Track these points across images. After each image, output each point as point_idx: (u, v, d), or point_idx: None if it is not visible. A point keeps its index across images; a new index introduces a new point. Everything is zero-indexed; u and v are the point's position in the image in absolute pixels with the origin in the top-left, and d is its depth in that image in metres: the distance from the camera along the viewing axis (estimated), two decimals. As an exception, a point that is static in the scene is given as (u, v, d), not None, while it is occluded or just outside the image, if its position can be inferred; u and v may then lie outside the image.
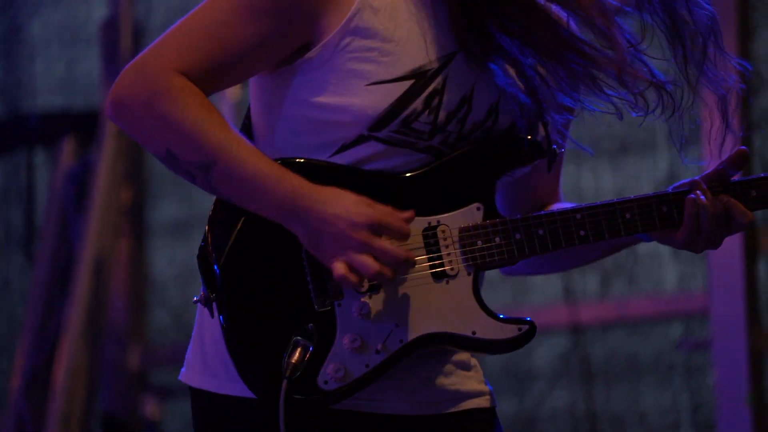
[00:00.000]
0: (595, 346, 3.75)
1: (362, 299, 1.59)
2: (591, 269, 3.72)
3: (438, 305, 1.61)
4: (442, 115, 1.61)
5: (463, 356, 1.72)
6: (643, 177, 3.80)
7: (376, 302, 1.59)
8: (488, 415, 1.74)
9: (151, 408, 4.40)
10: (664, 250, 3.76)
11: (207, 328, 1.68)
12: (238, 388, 1.61)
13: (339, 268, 1.50)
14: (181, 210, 4.79)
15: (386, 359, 1.58)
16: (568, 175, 3.73)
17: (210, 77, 1.63)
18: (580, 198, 3.93)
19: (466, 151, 1.63)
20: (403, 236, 1.53)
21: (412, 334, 1.58)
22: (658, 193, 1.64)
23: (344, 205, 1.54)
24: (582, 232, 1.62)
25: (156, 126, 1.59)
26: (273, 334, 1.61)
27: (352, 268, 1.50)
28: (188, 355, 1.72)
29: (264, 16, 1.61)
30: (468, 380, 1.73)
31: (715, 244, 1.63)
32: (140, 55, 1.65)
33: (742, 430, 3.41)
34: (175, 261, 4.77)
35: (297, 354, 1.56)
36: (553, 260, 1.77)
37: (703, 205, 1.61)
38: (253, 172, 1.57)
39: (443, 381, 1.70)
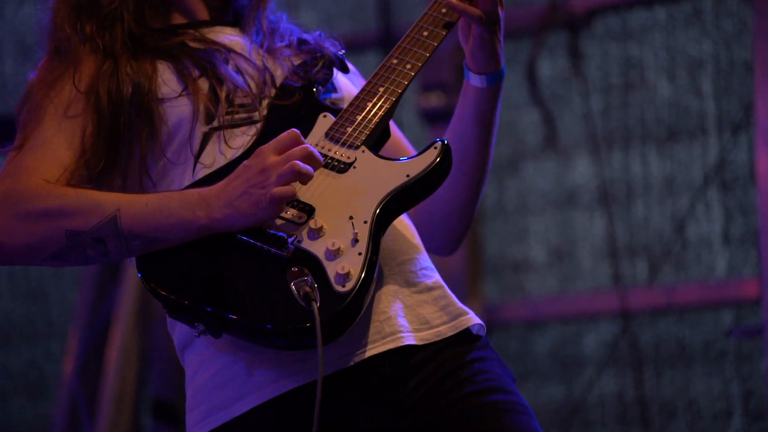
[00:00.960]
0: (644, 332, 3.69)
1: (309, 225, 1.61)
2: (639, 255, 3.66)
3: (365, 185, 1.65)
4: (252, 86, 1.73)
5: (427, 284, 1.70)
6: (693, 164, 3.73)
7: (319, 219, 1.62)
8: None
9: None
10: (714, 236, 3.70)
11: (193, 378, 1.68)
12: (238, 408, 1.62)
13: (271, 200, 1.53)
14: None
15: (367, 241, 1.60)
16: (617, 162, 3.70)
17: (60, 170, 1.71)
18: (629, 189, 3.86)
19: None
20: (294, 140, 1.57)
21: (368, 214, 1.61)
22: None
23: (234, 173, 1.57)
24: (408, 66, 1.73)
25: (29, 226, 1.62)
26: (277, 302, 1.61)
27: (279, 193, 1.53)
28: (188, 417, 1.70)
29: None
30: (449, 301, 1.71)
31: (497, 23, 1.69)
32: None
33: (795, 418, 3.36)
34: None
35: (304, 289, 1.57)
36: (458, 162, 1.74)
37: None
38: (156, 201, 1.60)
39: (422, 310, 1.67)
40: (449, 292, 1.72)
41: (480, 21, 1.66)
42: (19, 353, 4.87)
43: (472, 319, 1.70)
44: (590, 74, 3.81)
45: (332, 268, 1.59)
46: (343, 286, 1.58)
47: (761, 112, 3.22)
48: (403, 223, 1.74)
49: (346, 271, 1.58)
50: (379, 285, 1.65)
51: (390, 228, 1.65)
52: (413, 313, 1.66)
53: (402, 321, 1.64)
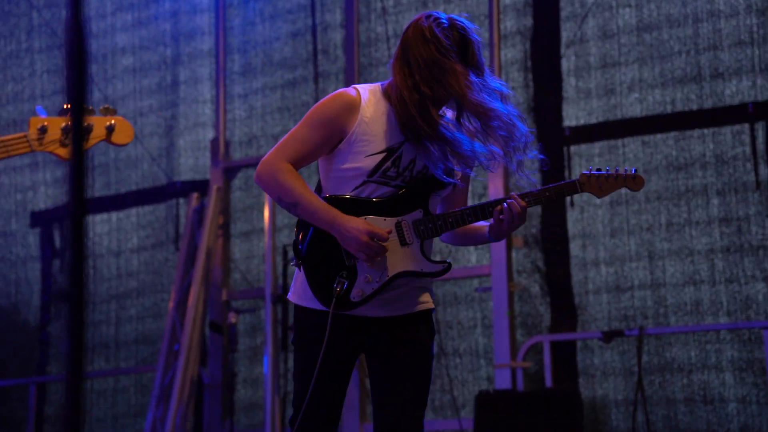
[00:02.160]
0: None
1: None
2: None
3: (404, 258, 2.78)
4: (401, 168, 2.70)
5: (421, 285, 2.87)
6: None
7: (375, 261, 2.77)
8: (430, 312, 2.90)
9: (232, 317, 5.89)
10: None
11: (298, 277, 2.89)
12: (312, 305, 2.86)
13: (356, 254, 2.73)
14: (246, 225, 6.70)
15: (380, 286, 2.79)
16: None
17: (299, 161, 2.86)
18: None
19: (413, 183, 2.78)
20: (382, 236, 2.72)
21: (392, 272, 2.80)
22: (482, 203, 2.83)
23: (355, 223, 2.73)
24: (450, 219, 2.81)
25: (275, 187, 2.82)
26: (327, 276, 2.80)
27: (360, 254, 2.73)
28: (291, 288, 2.91)
29: (320, 128, 2.81)
30: (422, 296, 2.89)
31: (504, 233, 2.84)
32: (269, 152, 2.83)
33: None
34: (242, 251, 6.71)
35: (339, 286, 2.77)
36: (458, 238, 2.94)
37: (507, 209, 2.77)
38: (314, 209, 2.77)
39: (409, 298, 2.85)
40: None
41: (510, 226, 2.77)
42: (145, 299, 7.02)
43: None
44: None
45: (358, 286, 2.76)
46: (354, 297, 2.76)
47: None
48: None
49: (359, 293, 2.74)
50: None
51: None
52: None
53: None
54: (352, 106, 2.83)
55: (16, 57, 7.56)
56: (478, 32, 2.89)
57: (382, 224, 2.83)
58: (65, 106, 2.25)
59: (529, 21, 6.14)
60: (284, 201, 2.84)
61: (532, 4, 6.14)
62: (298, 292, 2.92)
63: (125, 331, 6.93)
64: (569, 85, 6.03)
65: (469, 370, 6.04)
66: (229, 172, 6.66)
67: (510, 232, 2.87)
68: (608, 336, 5.64)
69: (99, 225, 7.05)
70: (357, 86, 2.91)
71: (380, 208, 2.84)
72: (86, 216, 1.50)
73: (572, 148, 5.96)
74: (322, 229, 2.82)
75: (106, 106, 2.50)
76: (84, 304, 1.45)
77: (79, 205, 1.47)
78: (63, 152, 2.41)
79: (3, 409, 7.34)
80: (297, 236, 2.89)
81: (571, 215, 5.93)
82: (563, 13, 6.06)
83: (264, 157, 2.87)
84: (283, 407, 6.13)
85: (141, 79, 7.15)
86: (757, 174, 5.48)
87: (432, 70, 2.75)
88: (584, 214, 5.90)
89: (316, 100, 5.67)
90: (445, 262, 2.87)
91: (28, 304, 7.33)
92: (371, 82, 5.91)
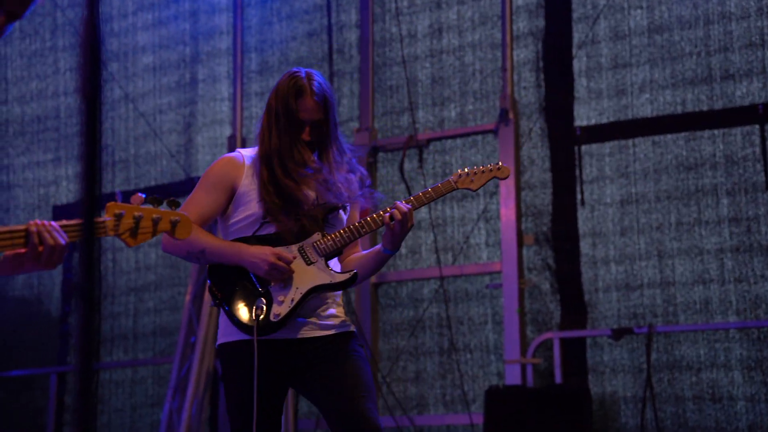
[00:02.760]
0: None
1: (280, 283, 3.01)
2: None
3: (312, 275, 3.04)
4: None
5: (333, 303, 3.11)
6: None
7: (287, 281, 3.00)
8: (352, 333, 3.14)
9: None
10: None
11: (221, 321, 3.11)
12: (236, 337, 3.04)
13: (266, 276, 2.95)
14: None
15: (295, 304, 3.01)
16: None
17: (201, 221, 3.12)
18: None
19: (307, 212, 3.05)
20: (287, 257, 2.99)
21: (304, 289, 3.05)
22: (371, 215, 3.09)
23: (260, 250, 2.99)
24: (346, 234, 3.07)
25: (179, 245, 3.03)
26: (246, 306, 3.00)
27: (270, 275, 2.96)
28: (218, 337, 3.11)
29: (211, 190, 3.12)
30: (339, 316, 3.14)
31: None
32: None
33: None
34: None
35: (259, 310, 2.97)
36: (363, 269, 3.20)
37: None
38: (220, 249, 3.03)
39: (328, 313, 3.05)
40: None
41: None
42: (163, 292, 7.14)
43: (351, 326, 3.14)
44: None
45: (275, 307, 2.92)
46: (273, 318, 2.93)
47: None
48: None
49: (278, 313, 2.91)
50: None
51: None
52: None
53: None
54: (237, 167, 3.12)
55: (40, 55, 7.67)
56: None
57: (286, 251, 3.06)
58: (141, 196, 2.45)
59: (541, 22, 6.18)
60: (192, 253, 3.03)
61: (544, 5, 6.17)
62: (222, 332, 3.10)
63: (143, 323, 7.03)
64: (581, 85, 6.07)
65: (480, 365, 6.09)
66: (246, 168, 6.73)
67: (403, 237, 3.05)
68: (618, 333, 5.69)
69: (119, 220, 7.17)
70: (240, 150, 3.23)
71: (282, 240, 3.07)
72: (97, 213, 1.56)
73: (583, 148, 5.99)
74: (230, 269, 3.02)
75: (173, 199, 2.57)
76: (95, 300, 1.52)
77: (90, 203, 1.52)
78: (131, 241, 2.48)
79: (25, 398, 7.45)
80: (210, 280, 3.08)
81: (582, 213, 5.97)
82: (575, 15, 6.09)
83: None
84: (296, 399, 6.21)
85: (161, 77, 7.24)
86: (766, 174, 5.52)
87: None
88: (594, 213, 5.94)
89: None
90: (351, 271, 3.07)
91: (49, 295, 7.45)
92: (386, 81, 6.37)
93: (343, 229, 3.07)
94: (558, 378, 5.86)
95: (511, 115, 5.98)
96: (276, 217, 3.05)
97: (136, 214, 2.48)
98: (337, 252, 3.10)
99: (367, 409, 2.94)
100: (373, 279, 6.21)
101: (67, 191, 7.53)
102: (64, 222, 2.46)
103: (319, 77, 3.15)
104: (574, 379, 5.88)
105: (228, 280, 3.05)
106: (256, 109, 6.84)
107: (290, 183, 3.05)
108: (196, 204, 3.11)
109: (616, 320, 5.88)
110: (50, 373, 7.25)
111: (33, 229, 2.39)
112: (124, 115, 7.30)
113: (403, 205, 3.03)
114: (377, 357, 6.18)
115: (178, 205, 2.58)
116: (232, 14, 6.95)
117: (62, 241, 2.40)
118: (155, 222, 2.50)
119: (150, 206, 2.52)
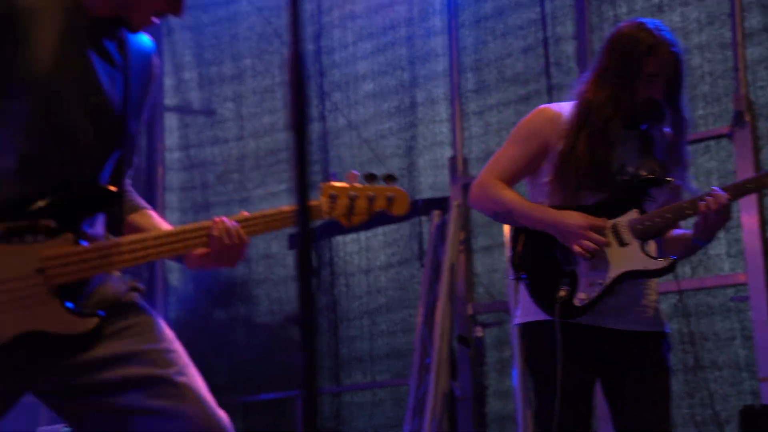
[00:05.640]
0: None
1: (588, 262, 2.65)
2: None
3: (624, 258, 2.67)
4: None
5: (649, 295, 2.76)
6: None
7: (595, 263, 2.65)
8: (665, 335, 2.84)
9: (478, 330, 6.30)
10: None
11: (521, 296, 2.84)
12: (537, 317, 2.77)
13: (576, 248, 2.63)
14: (486, 239, 6.55)
15: (604, 288, 2.66)
16: None
17: (509, 179, 2.91)
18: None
19: (625, 186, 2.72)
20: (602, 227, 2.63)
21: (614, 273, 2.69)
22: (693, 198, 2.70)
23: (574, 217, 2.67)
24: (668, 215, 2.69)
25: (487, 202, 2.87)
26: (549, 285, 2.71)
27: (581, 247, 2.62)
28: (516, 312, 2.87)
29: (522, 144, 2.91)
30: (654, 311, 2.77)
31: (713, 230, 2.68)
32: (479, 174, 2.90)
33: None
34: (484, 265, 6.59)
35: (561, 291, 2.67)
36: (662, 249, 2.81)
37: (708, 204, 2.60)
38: (529, 211, 2.78)
39: (641, 304, 2.69)
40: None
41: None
42: (394, 314, 7.14)
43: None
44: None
45: (580, 290, 2.61)
46: (579, 302, 2.62)
47: None
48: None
49: (584, 297, 2.60)
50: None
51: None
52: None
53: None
54: (553, 121, 2.88)
55: (270, 91, 7.97)
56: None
57: (602, 223, 2.79)
58: (354, 174, 2.41)
59: (776, 16, 5.88)
60: (499, 213, 2.86)
61: (780, -2, 5.87)
62: (524, 309, 2.91)
63: (378, 345, 7.13)
64: (822, 80, 5.67)
65: (731, 383, 5.80)
66: (468, 188, 6.59)
67: (718, 229, 2.75)
68: None
69: (350, 245, 7.27)
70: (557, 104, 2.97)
71: (593, 213, 2.80)
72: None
73: (828, 144, 5.59)
74: (536, 238, 2.79)
75: (389, 174, 2.52)
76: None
77: (304, 231, 1.60)
78: (345, 221, 2.46)
79: (272, 420, 7.67)
80: (513, 250, 2.88)
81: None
82: (816, 5, 5.75)
83: (475, 180, 2.94)
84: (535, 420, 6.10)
85: (381, 103, 7.36)
86: None
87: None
88: None
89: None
90: (668, 258, 2.77)
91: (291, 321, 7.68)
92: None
93: (665, 209, 2.78)
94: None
95: (747, 117, 5.68)
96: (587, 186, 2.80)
97: (351, 193, 2.42)
98: (657, 234, 2.80)
99: None
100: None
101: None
102: (246, 215, 2.42)
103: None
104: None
105: (531, 250, 2.85)
106: (476, 128, 6.84)
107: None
108: (504, 159, 2.91)
109: None
110: (296, 396, 7.41)
111: (215, 233, 2.34)
112: (349, 143, 7.46)
113: (721, 193, 2.73)
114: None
115: (395, 180, 2.51)
116: (447, 36, 7.00)
117: (237, 242, 2.32)
118: (371, 200, 2.43)
119: (366, 183, 2.45)
